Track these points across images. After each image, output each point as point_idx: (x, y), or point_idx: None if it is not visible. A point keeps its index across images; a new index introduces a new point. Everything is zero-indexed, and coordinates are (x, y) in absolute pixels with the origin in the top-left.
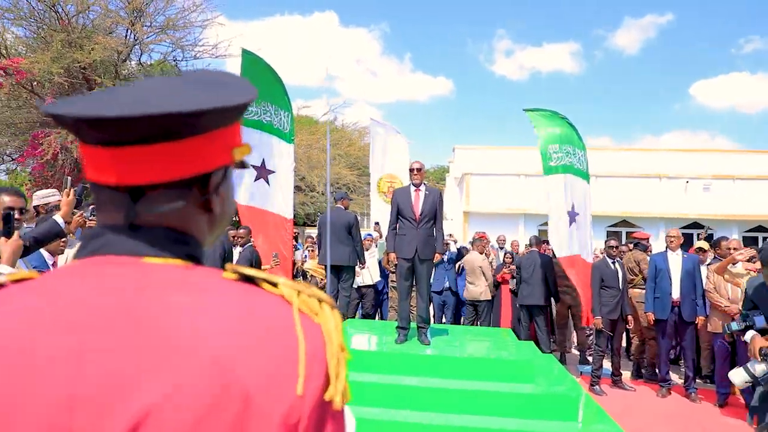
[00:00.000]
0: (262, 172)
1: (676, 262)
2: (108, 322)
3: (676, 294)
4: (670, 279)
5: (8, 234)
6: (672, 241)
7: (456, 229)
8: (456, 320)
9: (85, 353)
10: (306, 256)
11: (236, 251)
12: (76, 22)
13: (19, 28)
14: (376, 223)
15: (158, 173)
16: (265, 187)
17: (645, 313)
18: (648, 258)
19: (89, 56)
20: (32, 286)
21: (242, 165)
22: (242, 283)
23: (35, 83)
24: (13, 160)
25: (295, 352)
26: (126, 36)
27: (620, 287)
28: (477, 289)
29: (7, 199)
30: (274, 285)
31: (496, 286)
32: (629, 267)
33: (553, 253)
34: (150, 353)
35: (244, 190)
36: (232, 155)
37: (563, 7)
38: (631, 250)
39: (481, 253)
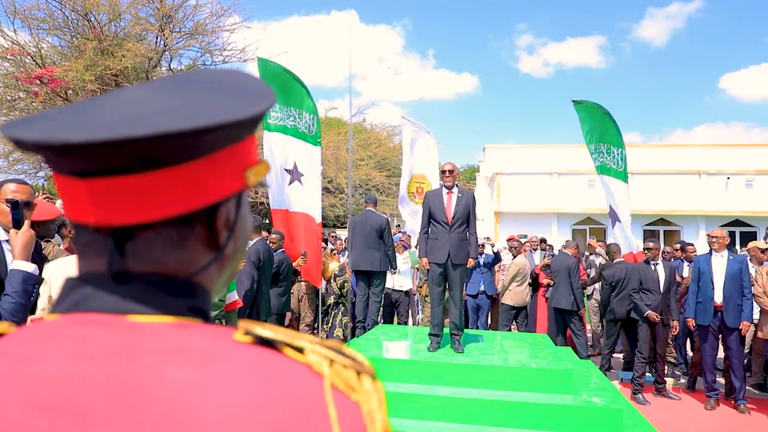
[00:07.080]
0: (295, 175)
1: (720, 264)
2: (87, 401)
3: (718, 299)
4: (713, 283)
5: (18, 225)
6: (715, 242)
7: (488, 230)
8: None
9: None
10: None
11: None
12: (108, 30)
13: (54, 37)
14: (403, 232)
15: (149, 210)
16: (299, 189)
17: (686, 318)
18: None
19: (120, 63)
20: None
21: (260, 186)
22: (258, 347)
23: (69, 91)
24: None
25: None
26: (156, 42)
27: (661, 290)
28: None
29: (12, 187)
30: (300, 351)
31: (534, 289)
32: None
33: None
34: None
35: (277, 194)
36: (246, 178)
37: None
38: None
39: (514, 256)
